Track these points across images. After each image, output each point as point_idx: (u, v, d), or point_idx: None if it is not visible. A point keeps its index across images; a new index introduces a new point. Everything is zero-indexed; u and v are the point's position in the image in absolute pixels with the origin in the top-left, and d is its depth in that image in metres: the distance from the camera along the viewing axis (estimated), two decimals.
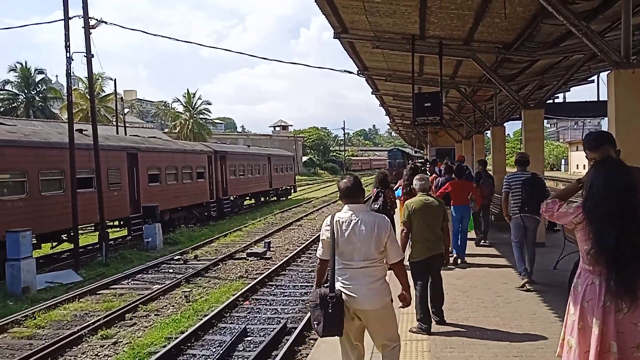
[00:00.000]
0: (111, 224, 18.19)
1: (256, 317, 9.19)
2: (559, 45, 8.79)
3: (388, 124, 38.63)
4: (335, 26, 9.11)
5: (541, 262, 8.33)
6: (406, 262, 4.54)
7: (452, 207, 9.45)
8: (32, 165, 14.17)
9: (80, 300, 10.72)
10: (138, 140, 20.88)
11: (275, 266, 13.04)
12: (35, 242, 13.85)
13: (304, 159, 79.08)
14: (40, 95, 45.77)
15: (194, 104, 60.59)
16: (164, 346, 7.61)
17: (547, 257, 8.81)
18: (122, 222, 18.91)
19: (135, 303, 10.06)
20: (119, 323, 9.11)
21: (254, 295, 10.66)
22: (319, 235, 4.18)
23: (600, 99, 17.51)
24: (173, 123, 60.25)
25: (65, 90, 18.89)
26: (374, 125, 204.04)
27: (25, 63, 45.11)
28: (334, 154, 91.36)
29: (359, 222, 3.80)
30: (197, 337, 8.07)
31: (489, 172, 12.69)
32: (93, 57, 15.70)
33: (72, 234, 15.07)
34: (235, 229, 20.97)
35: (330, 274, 3.87)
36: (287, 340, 7.72)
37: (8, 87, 45.26)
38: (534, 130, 11.08)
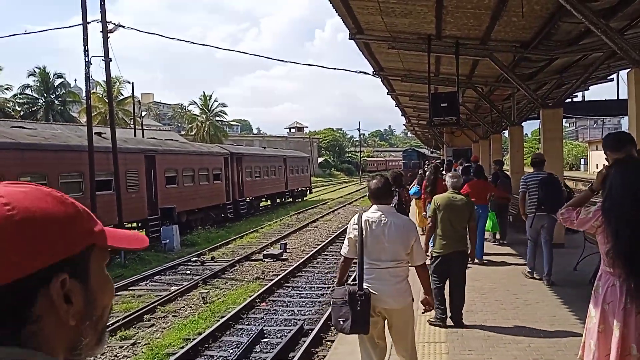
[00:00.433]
0: (129, 225, 18.35)
1: (273, 318, 9.22)
2: (577, 44, 8.66)
3: (404, 125, 38.43)
4: (351, 27, 9.09)
5: (561, 264, 8.24)
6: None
7: None
8: (53, 168, 14.37)
9: None
10: (155, 143, 21.07)
11: (292, 267, 13.07)
12: None
13: (320, 160, 78.97)
14: (60, 99, 46.36)
15: (210, 107, 60.91)
16: (182, 347, 7.66)
17: (567, 259, 8.69)
18: (140, 224, 19.06)
19: (154, 304, 10.16)
20: (138, 324, 9.20)
21: (270, 297, 10.69)
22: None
23: (620, 98, 17.24)
24: (189, 125, 60.70)
25: (84, 94, 19.19)
26: (389, 126, 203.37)
27: (45, 68, 45.77)
28: (350, 155, 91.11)
29: (390, 223, 3.87)
30: (214, 339, 8.12)
31: (506, 172, 12.56)
32: (111, 60, 15.89)
33: None
34: (252, 230, 21.03)
35: (359, 272, 3.95)
36: (304, 341, 7.73)
37: (28, 91, 45.92)
38: (553, 130, 10.94)
